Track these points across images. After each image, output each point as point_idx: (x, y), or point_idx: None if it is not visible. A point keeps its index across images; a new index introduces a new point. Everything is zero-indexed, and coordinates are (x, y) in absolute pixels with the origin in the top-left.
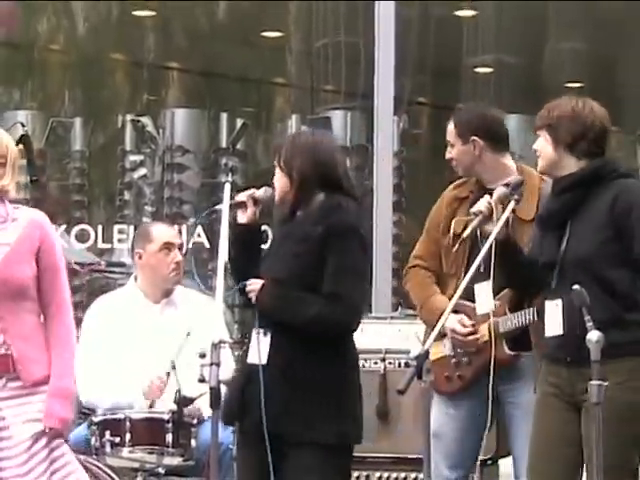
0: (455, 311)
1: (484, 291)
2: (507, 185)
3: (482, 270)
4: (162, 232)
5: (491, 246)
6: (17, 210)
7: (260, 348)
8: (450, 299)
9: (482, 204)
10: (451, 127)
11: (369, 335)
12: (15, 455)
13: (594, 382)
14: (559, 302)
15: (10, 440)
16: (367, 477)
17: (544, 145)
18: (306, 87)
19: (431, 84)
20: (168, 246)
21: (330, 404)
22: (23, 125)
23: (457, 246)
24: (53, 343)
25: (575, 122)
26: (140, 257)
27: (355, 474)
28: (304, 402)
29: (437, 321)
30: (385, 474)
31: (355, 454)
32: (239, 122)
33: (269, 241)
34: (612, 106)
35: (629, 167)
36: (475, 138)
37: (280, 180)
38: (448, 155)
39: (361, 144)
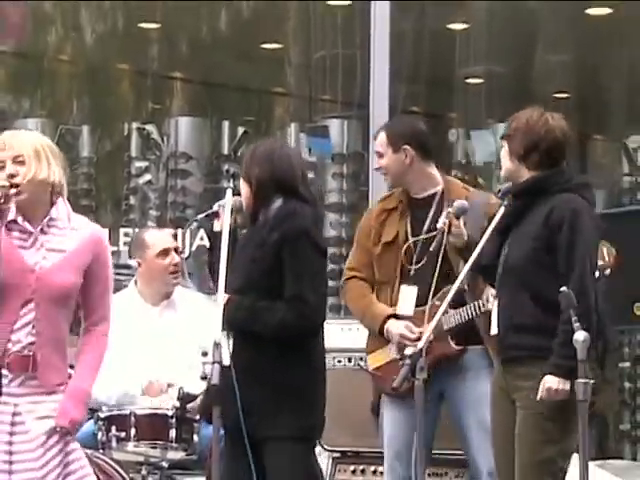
0: (396, 317)
1: (409, 294)
2: (499, 192)
3: (412, 275)
4: (158, 238)
5: (438, 253)
6: (79, 220)
7: (226, 350)
8: (386, 305)
9: (441, 222)
10: (382, 137)
11: (364, 334)
12: (31, 449)
13: (580, 380)
14: (496, 304)
15: (27, 434)
16: (362, 471)
17: (505, 155)
18: (304, 97)
19: (424, 94)
20: (165, 251)
21: (294, 401)
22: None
23: (425, 259)
24: (86, 349)
25: (527, 134)
26: (139, 265)
27: (351, 468)
28: (269, 400)
29: (380, 326)
30: (380, 468)
31: (351, 449)
32: (240, 130)
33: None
34: (598, 115)
35: (586, 182)
36: (406, 147)
37: (243, 189)
38: (377, 165)
39: (357, 151)
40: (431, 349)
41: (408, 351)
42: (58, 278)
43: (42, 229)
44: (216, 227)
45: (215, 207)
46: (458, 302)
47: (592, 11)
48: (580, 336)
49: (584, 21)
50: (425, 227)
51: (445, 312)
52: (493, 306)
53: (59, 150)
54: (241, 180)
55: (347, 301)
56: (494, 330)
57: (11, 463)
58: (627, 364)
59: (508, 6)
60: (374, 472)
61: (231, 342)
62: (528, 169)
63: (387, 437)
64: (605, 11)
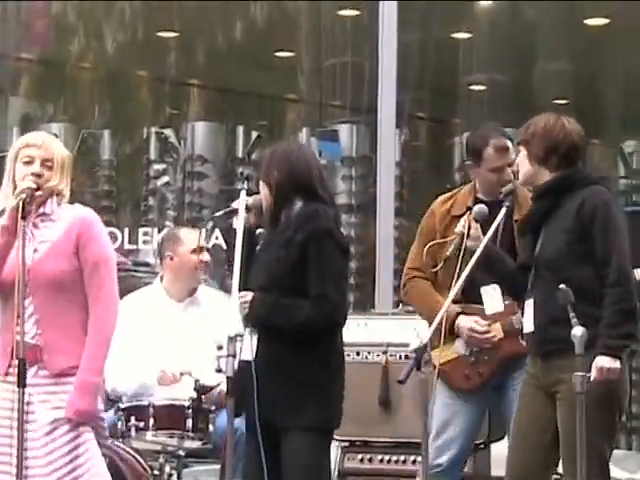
0: (466, 313)
1: (491, 293)
2: (501, 194)
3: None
4: (192, 236)
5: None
6: (66, 209)
7: (249, 346)
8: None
9: (460, 226)
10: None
11: (372, 330)
12: (36, 438)
13: (578, 373)
14: (531, 302)
15: (34, 424)
16: (370, 459)
17: (522, 159)
18: (315, 103)
19: (429, 100)
20: (200, 249)
21: (316, 394)
22: (56, 136)
23: (442, 264)
24: (88, 340)
25: (546, 138)
26: (172, 259)
27: (359, 456)
28: (293, 393)
29: (451, 323)
30: (387, 457)
31: (359, 438)
32: (254, 134)
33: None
34: (595, 121)
35: (605, 175)
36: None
37: (262, 191)
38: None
39: (366, 155)
40: (501, 346)
41: (413, 345)
42: (48, 267)
43: (35, 224)
44: (235, 224)
45: (235, 205)
46: None
47: (590, 22)
48: (578, 331)
49: (582, 31)
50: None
51: (513, 312)
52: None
53: (79, 155)
54: (260, 183)
55: (410, 299)
56: (529, 327)
57: (24, 457)
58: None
59: (509, 17)
60: (381, 460)
61: (255, 338)
62: (550, 171)
63: (443, 424)
64: (602, 22)
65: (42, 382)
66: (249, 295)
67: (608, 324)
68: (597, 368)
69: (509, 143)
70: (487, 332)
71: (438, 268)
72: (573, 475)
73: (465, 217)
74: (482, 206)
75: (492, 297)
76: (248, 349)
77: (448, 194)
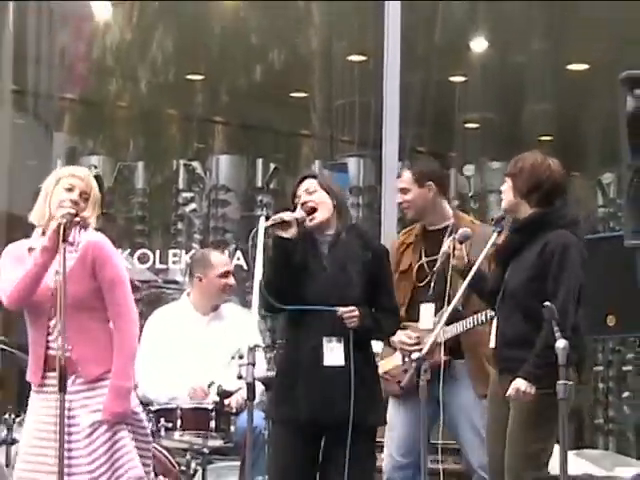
0: (403, 328)
1: (428, 310)
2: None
3: (430, 294)
4: (221, 261)
5: (451, 276)
6: (84, 235)
7: (336, 353)
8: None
9: (445, 246)
10: (408, 175)
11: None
12: (80, 439)
13: (560, 382)
14: (494, 323)
15: (77, 427)
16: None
17: (507, 190)
18: (326, 138)
19: (429, 136)
20: (227, 273)
21: (378, 395)
22: (96, 167)
23: (428, 278)
24: (115, 346)
25: (533, 176)
26: (200, 280)
27: None
28: (371, 394)
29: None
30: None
31: None
32: (272, 166)
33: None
34: (576, 156)
35: (576, 219)
36: (430, 183)
37: (326, 207)
38: (400, 199)
39: (371, 185)
40: (432, 357)
41: (414, 355)
42: (69, 289)
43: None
44: (284, 234)
45: (287, 217)
46: (453, 319)
47: (571, 67)
48: (561, 344)
49: (564, 75)
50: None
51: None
52: (487, 323)
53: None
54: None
55: None
56: (492, 344)
57: (70, 457)
58: (601, 367)
59: (500, 62)
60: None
61: (342, 346)
62: (529, 205)
63: (391, 431)
64: (583, 67)
65: (80, 389)
66: (354, 309)
67: (535, 352)
68: (513, 388)
69: (404, 172)
70: (417, 344)
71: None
72: (511, 470)
73: (450, 239)
74: (466, 229)
75: (429, 314)
76: (331, 355)
77: (409, 227)
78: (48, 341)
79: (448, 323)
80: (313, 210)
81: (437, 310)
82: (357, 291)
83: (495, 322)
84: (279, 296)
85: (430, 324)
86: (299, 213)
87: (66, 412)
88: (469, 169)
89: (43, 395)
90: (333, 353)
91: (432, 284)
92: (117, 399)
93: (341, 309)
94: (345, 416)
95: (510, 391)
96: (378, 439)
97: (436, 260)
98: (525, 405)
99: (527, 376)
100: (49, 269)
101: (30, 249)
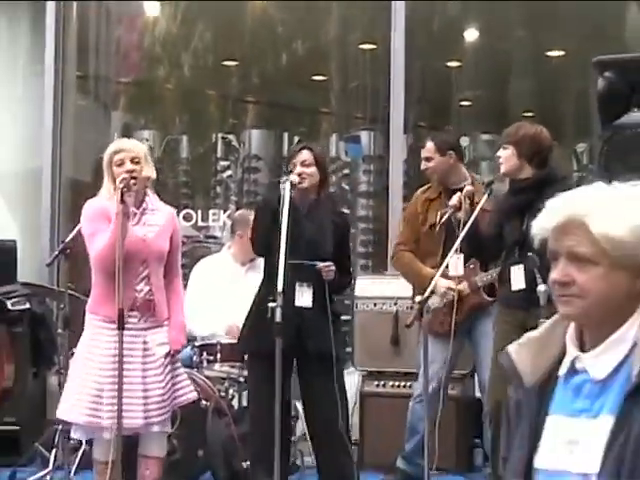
0: (444, 276)
1: (456, 260)
2: (461, 190)
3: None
4: None
5: (460, 228)
6: (161, 203)
7: (306, 296)
8: (433, 269)
9: (455, 199)
10: (431, 145)
11: (385, 287)
12: (156, 367)
13: (540, 320)
14: (521, 267)
15: (153, 357)
16: (383, 385)
17: (509, 156)
18: (343, 115)
19: (429, 113)
20: None
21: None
22: (147, 140)
23: (437, 229)
24: (171, 295)
25: (535, 142)
26: (241, 237)
27: (375, 382)
28: (335, 330)
29: (427, 284)
30: (396, 383)
31: (376, 369)
32: (296, 139)
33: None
34: (555, 129)
35: (567, 175)
36: (451, 152)
37: (314, 179)
38: (425, 166)
39: (381, 154)
40: (467, 300)
41: (417, 298)
42: (158, 244)
43: (143, 213)
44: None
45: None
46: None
47: (550, 53)
48: (542, 288)
49: (544, 60)
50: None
51: (475, 273)
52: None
53: (165, 154)
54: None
55: (399, 267)
56: (520, 286)
57: (145, 382)
58: None
59: (489, 49)
60: (392, 386)
61: (311, 291)
62: (532, 168)
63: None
64: (560, 53)
65: (150, 326)
66: (332, 265)
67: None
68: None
69: (428, 143)
70: (461, 289)
71: (437, 231)
72: (490, 389)
73: (458, 194)
74: (471, 187)
75: (456, 264)
76: (301, 298)
77: (425, 186)
78: (136, 284)
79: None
80: (303, 180)
81: (466, 259)
82: (329, 248)
83: (520, 266)
84: (265, 248)
85: (460, 270)
86: (294, 178)
87: (141, 346)
88: (464, 140)
89: (126, 332)
90: (303, 296)
91: (460, 235)
92: (181, 333)
93: (320, 264)
94: (315, 348)
95: None
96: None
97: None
98: (508, 333)
99: None
100: (129, 228)
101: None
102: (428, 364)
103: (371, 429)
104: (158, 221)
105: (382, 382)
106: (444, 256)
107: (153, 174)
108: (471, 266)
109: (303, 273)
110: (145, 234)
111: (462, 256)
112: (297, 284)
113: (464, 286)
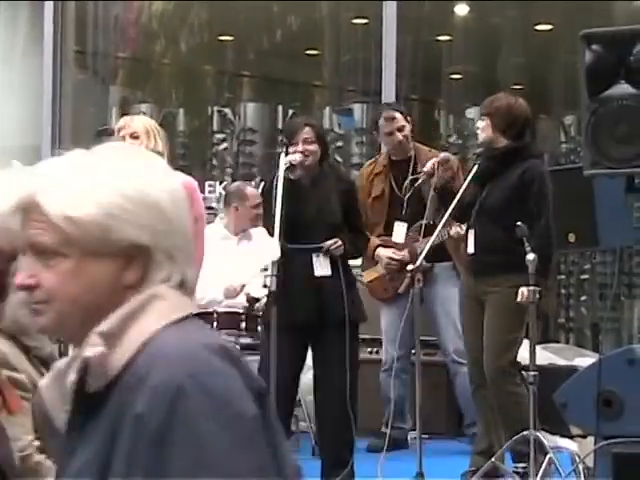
0: (385, 246)
1: (401, 227)
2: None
3: (404, 213)
4: (254, 193)
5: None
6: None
7: (324, 266)
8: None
9: (429, 165)
10: (399, 115)
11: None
12: None
13: (530, 288)
14: (472, 233)
15: None
16: (377, 352)
17: (486, 127)
18: (335, 88)
19: (420, 86)
20: (259, 205)
21: (358, 298)
22: (144, 113)
23: (408, 195)
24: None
25: (509, 113)
26: (237, 209)
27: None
28: (352, 298)
29: (372, 252)
30: (375, 349)
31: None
32: (290, 112)
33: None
34: (543, 101)
35: (548, 148)
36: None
37: (317, 155)
38: (400, 137)
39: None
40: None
41: (410, 267)
42: None
43: None
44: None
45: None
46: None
47: (539, 27)
48: (530, 257)
49: (533, 34)
50: (407, 181)
51: (417, 240)
52: (461, 235)
53: (161, 128)
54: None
55: None
56: (470, 250)
57: None
58: (563, 276)
59: (479, 24)
60: (370, 352)
61: (328, 259)
62: (506, 139)
63: (385, 329)
64: (548, 27)
65: None
66: (338, 240)
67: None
68: (521, 293)
69: (396, 114)
70: (399, 260)
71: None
72: (492, 359)
73: (433, 160)
74: (447, 154)
75: (401, 230)
76: (320, 267)
77: (372, 159)
78: None
79: (425, 236)
80: (306, 157)
81: (409, 226)
82: (337, 217)
83: (471, 232)
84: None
85: (402, 238)
86: (299, 157)
87: None
88: (470, 112)
89: None
90: (322, 266)
91: (405, 205)
92: None
93: (327, 243)
94: (336, 316)
95: (520, 296)
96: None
97: (402, 185)
98: (500, 301)
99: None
100: None
101: None
102: (388, 332)
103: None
104: None
105: (376, 349)
106: (388, 226)
107: (159, 147)
108: (411, 233)
109: (317, 243)
110: None
111: (406, 225)
112: (313, 255)
113: (404, 254)
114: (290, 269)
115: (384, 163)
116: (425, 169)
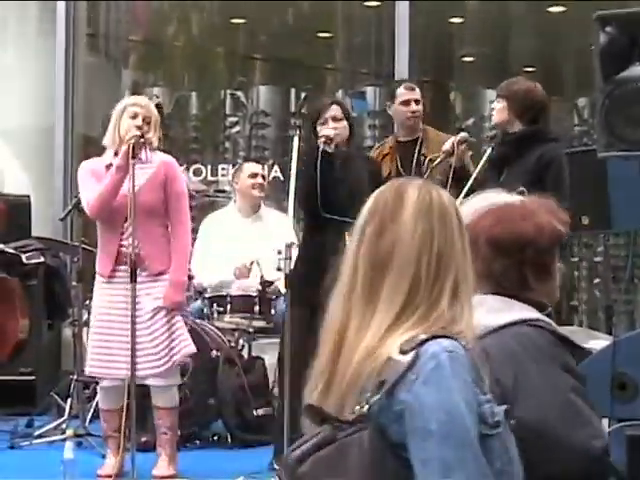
0: None
1: None
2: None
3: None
4: (250, 166)
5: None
6: (154, 155)
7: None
8: None
9: (448, 145)
10: (418, 90)
11: None
12: (142, 321)
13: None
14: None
15: (141, 311)
16: None
17: (501, 109)
18: (348, 71)
19: (433, 68)
20: (253, 174)
21: None
22: (157, 97)
23: (428, 173)
24: (174, 247)
25: (527, 98)
26: (237, 183)
27: None
28: None
29: None
30: None
31: None
32: (302, 95)
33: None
34: (556, 84)
35: (561, 130)
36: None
37: (345, 132)
38: (418, 111)
39: (385, 110)
40: None
41: None
42: (145, 198)
43: (133, 166)
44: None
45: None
46: None
47: (551, 9)
48: None
49: (545, 16)
50: (425, 161)
51: None
52: None
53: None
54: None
55: None
56: None
57: (132, 335)
58: (576, 259)
59: (492, 5)
60: None
61: None
62: (522, 123)
63: None
64: (560, 9)
65: (145, 280)
66: None
67: None
68: None
69: (416, 87)
70: None
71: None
72: None
73: (452, 139)
74: (465, 134)
75: None
76: None
77: (379, 144)
78: (121, 239)
79: None
80: (337, 135)
81: None
82: (368, 196)
83: None
84: (316, 204)
85: None
86: (330, 132)
87: (129, 299)
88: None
89: (112, 284)
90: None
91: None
92: (176, 290)
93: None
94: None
95: None
96: None
97: (409, 166)
98: None
99: None
100: (124, 182)
101: (108, 166)
102: None
103: None
104: (145, 174)
105: None
106: None
107: (155, 140)
108: None
109: (348, 224)
110: (129, 189)
111: None
112: (346, 234)
113: None
114: (323, 238)
115: (391, 144)
116: (444, 148)
